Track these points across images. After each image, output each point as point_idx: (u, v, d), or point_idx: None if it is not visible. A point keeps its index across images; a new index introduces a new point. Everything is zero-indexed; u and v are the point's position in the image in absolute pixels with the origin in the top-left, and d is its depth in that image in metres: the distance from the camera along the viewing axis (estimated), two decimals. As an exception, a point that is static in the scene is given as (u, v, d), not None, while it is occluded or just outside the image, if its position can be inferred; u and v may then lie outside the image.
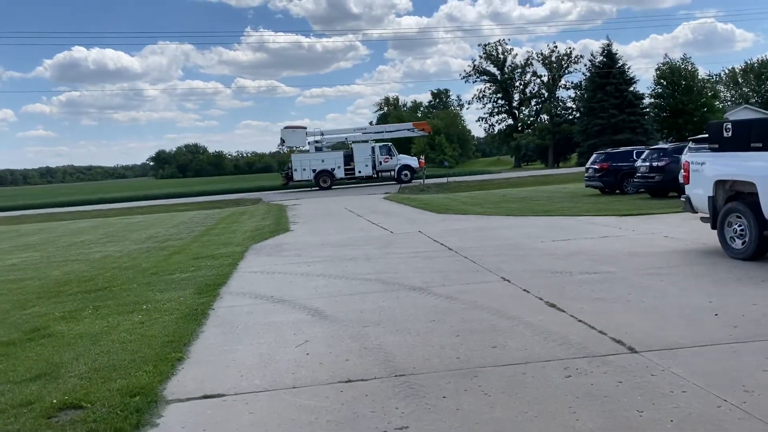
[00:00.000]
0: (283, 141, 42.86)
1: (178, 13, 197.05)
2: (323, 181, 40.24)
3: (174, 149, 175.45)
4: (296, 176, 40.39)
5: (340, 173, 40.53)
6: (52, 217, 31.90)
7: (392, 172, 40.84)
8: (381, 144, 41.73)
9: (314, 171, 40.20)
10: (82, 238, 18.48)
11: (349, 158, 40.65)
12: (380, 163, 40.91)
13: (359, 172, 40.64)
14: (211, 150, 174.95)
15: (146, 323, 6.81)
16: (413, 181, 40.10)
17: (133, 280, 9.83)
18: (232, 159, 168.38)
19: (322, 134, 42.48)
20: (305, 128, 42.31)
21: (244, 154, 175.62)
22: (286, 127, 42.37)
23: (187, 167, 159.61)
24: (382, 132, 44.06)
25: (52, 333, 6.69)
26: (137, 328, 6.60)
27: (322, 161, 40.45)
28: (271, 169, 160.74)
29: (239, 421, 4.14)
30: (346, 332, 6.09)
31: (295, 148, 44.26)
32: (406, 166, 41.13)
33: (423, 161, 42.96)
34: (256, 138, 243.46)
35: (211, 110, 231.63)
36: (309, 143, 41.74)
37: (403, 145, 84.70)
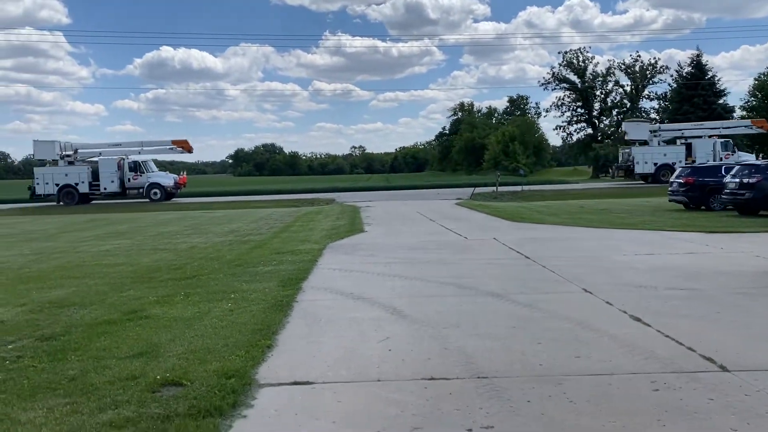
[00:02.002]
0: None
1: (260, 16, 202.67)
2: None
3: (252, 148, 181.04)
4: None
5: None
6: (137, 208, 33.58)
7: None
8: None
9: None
10: (168, 229, 19.41)
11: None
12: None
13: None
14: (286, 150, 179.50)
15: (235, 311, 7.15)
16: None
17: (219, 271, 10.28)
18: (306, 159, 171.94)
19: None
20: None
21: (319, 155, 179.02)
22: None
23: (263, 166, 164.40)
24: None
25: (149, 315, 7.11)
26: (227, 315, 6.94)
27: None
28: (343, 171, 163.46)
29: (328, 408, 4.32)
30: (426, 332, 6.20)
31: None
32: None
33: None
34: (329, 140, 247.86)
35: (288, 111, 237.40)
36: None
37: (480, 151, 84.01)
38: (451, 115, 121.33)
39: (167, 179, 39.75)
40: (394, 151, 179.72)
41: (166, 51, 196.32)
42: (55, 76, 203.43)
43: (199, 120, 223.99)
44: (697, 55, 59.95)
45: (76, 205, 37.04)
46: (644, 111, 77.13)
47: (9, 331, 6.53)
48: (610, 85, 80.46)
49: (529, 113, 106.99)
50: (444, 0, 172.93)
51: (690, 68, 60.04)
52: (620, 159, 44.98)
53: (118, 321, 6.88)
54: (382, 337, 6.06)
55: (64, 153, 39.26)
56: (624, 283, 8.37)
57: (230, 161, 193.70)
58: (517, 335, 6.00)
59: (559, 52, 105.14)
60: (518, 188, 38.67)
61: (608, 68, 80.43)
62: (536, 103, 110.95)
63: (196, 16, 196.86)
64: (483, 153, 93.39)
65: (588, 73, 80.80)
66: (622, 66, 78.95)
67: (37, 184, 38.57)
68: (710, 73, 59.34)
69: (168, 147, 41.66)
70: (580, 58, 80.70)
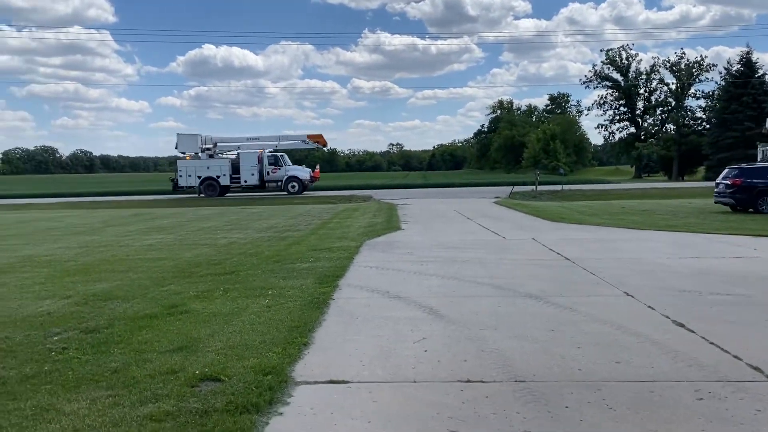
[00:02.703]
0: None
1: (301, 15, 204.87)
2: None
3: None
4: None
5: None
6: (181, 203, 34.25)
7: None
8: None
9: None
10: (208, 224, 19.73)
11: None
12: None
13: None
14: (325, 147, 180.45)
15: (273, 308, 7.22)
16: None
17: (257, 267, 10.40)
18: (344, 157, 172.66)
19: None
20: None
21: (357, 152, 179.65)
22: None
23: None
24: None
25: (189, 310, 7.24)
26: (265, 312, 7.01)
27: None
28: (380, 168, 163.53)
29: (364, 408, 4.32)
30: (463, 333, 6.15)
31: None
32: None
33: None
34: (367, 137, 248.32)
35: (327, 109, 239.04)
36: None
37: (519, 149, 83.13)
38: (490, 113, 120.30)
39: (304, 173, 40.50)
40: (431, 148, 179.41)
41: (209, 49, 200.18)
42: (102, 74, 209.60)
43: (240, 117, 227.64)
44: (747, 53, 58.07)
45: (217, 197, 38.01)
46: (690, 109, 75.19)
47: (55, 323, 6.73)
48: (655, 83, 78.72)
49: (570, 111, 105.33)
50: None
51: (739, 66, 58.17)
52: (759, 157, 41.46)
53: (159, 315, 7.02)
54: (418, 337, 6.04)
55: (204, 146, 40.21)
56: (667, 287, 8.17)
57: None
58: (556, 338, 5.90)
59: (601, 50, 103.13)
60: (558, 187, 38.12)
61: (652, 66, 78.74)
62: (578, 101, 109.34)
63: (238, 15, 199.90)
64: (522, 151, 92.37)
65: (631, 70, 79.16)
66: (667, 64, 77.12)
67: (180, 176, 39.52)
68: (761, 71, 57.40)
69: (303, 141, 42.58)
70: (624, 56, 79.10)
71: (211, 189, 39.09)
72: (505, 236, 14.51)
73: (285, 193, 38.77)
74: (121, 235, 16.78)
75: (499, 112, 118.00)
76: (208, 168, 39.25)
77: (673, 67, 76.16)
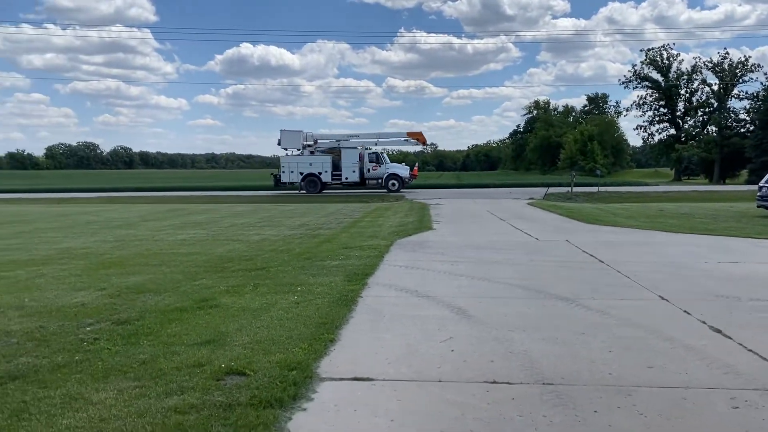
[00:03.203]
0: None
1: (338, 13, 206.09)
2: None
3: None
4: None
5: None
6: (215, 199, 34.73)
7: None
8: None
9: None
10: (242, 221, 19.95)
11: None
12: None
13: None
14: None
15: (301, 304, 7.23)
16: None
17: (287, 263, 10.46)
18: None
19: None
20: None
21: (391, 152, 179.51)
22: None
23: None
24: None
25: (219, 304, 7.30)
26: (293, 308, 7.03)
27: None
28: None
29: (388, 406, 4.28)
30: (490, 334, 6.06)
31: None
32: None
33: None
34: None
35: (362, 108, 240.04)
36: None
37: (555, 150, 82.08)
38: (526, 113, 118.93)
39: (404, 170, 40.96)
40: (466, 148, 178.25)
41: (246, 48, 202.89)
42: (142, 72, 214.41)
43: (275, 115, 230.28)
44: (795, 52, 56.22)
45: (317, 194, 38.63)
46: (733, 111, 73.16)
47: (89, 314, 6.86)
48: (696, 83, 76.85)
49: (608, 112, 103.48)
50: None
51: (786, 66, 56.39)
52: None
53: (189, 308, 7.10)
54: (445, 336, 5.98)
55: (305, 143, 40.94)
56: (704, 292, 7.93)
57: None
58: (587, 341, 5.77)
59: (641, 50, 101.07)
60: (594, 189, 37.50)
61: (694, 66, 76.86)
62: (617, 102, 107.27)
63: (276, 14, 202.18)
64: (558, 152, 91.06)
65: (672, 71, 77.42)
66: (709, 64, 75.17)
67: (283, 172, 40.42)
68: (808, 72, 55.53)
69: (403, 139, 42.89)
70: (664, 56, 77.43)
71: (312, 185, 39.76)
72: (537, 237, 14.30)
73: (385, 190, 39.12)
74: (157, 229, 17.07)
75: (535, 112, 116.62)
76: (310, 164, 39.95)
77: (716, 68, 74.27)
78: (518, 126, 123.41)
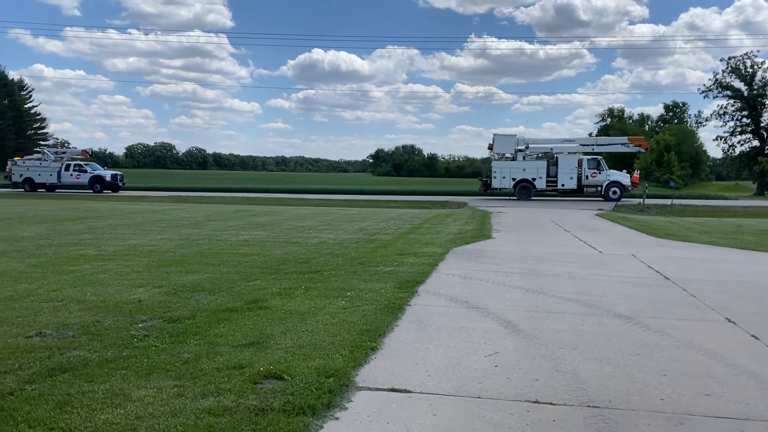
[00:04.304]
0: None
1: (408, 20, 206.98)
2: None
3: (392, 149, 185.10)
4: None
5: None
6: (281, 201, 35.41)
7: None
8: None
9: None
10: (303, 224, 20.22)
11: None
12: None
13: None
14: (425, 152, 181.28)
15: (348, 309, 7.21)
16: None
17: (341, 267, 10.48)
18: (444, 162, 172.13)
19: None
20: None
21: (457, 158, 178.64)
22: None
23: (401, 167, 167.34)
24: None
25: (268, 306, 7.38)
26: (340, 313, 7.02)
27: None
28: (480, 175, 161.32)
29: (422, 421, 4.17)
30: (539, 351, 5.84)
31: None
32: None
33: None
34: (468, 143, 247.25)
35: (429, 114, 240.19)
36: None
37: (627, 160, 79.53)
38: (600, 121, 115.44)
39: (625, 178, 38.70)
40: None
41: (317, 53, 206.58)
42: (218, 75, 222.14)
43: (344, 120, 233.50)
44: None
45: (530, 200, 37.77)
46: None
47: (144, 311, 7.06)
48: (783, 93, 72.51)
49: (686, 122, 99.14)
50: (597, 1, 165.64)
51: None
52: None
53: (239, 309, 7.20)
54: (490, 351, 5.80)
55: (518, 147, 39.62)
56: (777, 316, 7.40)
57: (370, 160, 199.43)
58: (641, 363, 5.47)
59: (721, 60, 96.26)
60: (668, 201, 35.93)
61: (781, 74, 72.48)
62: (698, 111, 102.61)
63: (347, 20, 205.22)
64: (632, 162, 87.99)
65: (757, 80, 73.39)
66: (799, 72, 70.79)
67: (495, 177, 38.74)
68: None
69: (623, 144, 41.66)
70: (748, 64, 73.49)
71: (525, 191, 38.26)
72: (602, 251, 13.80)
73: (602, 198, 37.33)
74: (220, 229, 17.52)
75: (609, 120, 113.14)
76: (523, 170, 38.35)
77: (806, 76, 69.93)
78: (591, 134, 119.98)
